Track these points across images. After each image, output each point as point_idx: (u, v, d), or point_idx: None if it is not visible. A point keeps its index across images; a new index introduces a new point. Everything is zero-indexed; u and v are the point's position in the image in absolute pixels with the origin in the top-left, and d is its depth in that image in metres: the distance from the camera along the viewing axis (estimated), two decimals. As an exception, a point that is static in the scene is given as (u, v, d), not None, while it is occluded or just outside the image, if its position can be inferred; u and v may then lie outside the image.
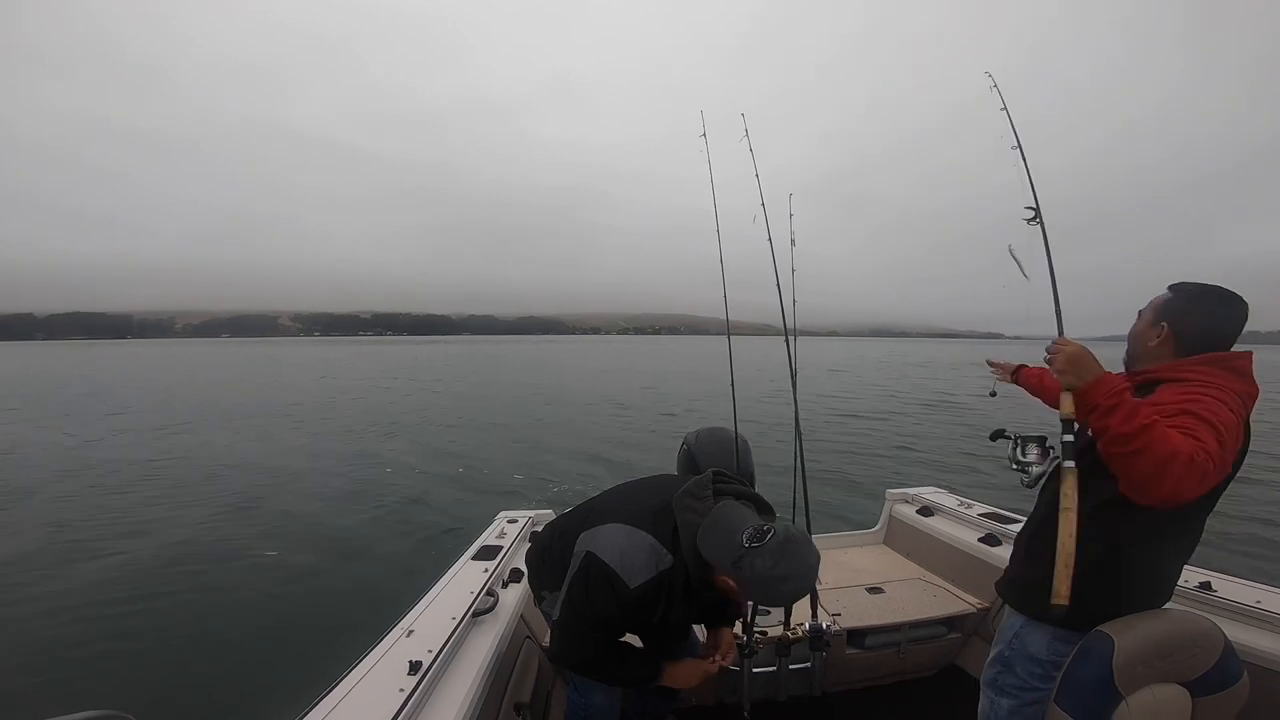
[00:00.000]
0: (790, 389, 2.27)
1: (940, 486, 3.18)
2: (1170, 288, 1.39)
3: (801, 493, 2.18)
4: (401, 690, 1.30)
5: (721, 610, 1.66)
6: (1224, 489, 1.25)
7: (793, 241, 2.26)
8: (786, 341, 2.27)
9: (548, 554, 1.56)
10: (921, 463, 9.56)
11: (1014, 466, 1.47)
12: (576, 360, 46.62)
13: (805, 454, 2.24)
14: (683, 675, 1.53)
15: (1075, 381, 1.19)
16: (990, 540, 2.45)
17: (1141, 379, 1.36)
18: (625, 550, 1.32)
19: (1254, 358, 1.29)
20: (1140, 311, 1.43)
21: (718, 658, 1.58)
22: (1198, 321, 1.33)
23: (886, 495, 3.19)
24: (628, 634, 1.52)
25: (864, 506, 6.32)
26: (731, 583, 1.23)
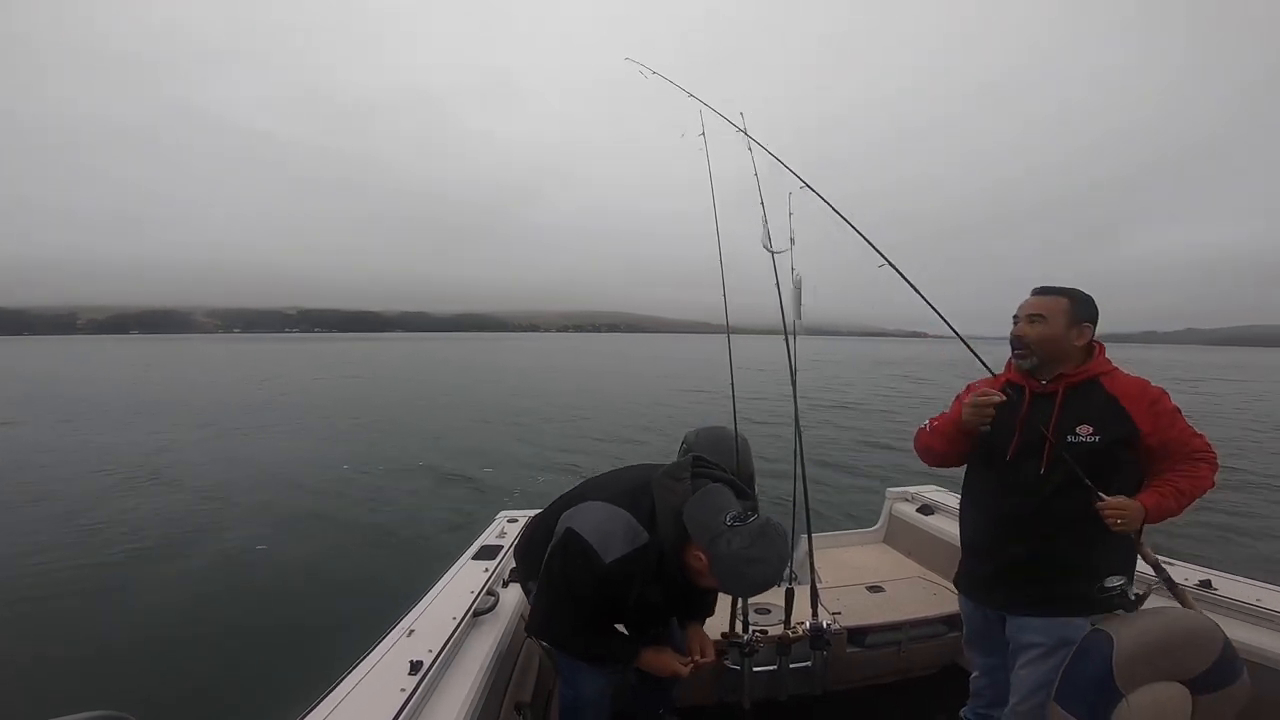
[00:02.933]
0: (790, 389, 2.27)
1: (940, 485, 3.18)
2: (1060, 291, 1.53)
3: (802, 491, 2.18)
4: (402, 690, 1.30)
5: (692, 601, 1.65)
6: None
7: (792, 241, 2.25)
8: (786, 341, 2.26)
9: (533, 542, 1.57)
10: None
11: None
12: (533, 361, 45.39)
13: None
14: (656, 663, 1.54)
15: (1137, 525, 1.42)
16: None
17: (1081, 378, 1.51)
18: (602, 526, 1.36)
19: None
20: (1031, 317, 1.53)
21: (695, 658, 1.59)
22: (1096, 318, 1.53)
23: (887, 494, 3.19)
24: (614, 623, 1.55)
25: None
26: (704, 558, 1.27)
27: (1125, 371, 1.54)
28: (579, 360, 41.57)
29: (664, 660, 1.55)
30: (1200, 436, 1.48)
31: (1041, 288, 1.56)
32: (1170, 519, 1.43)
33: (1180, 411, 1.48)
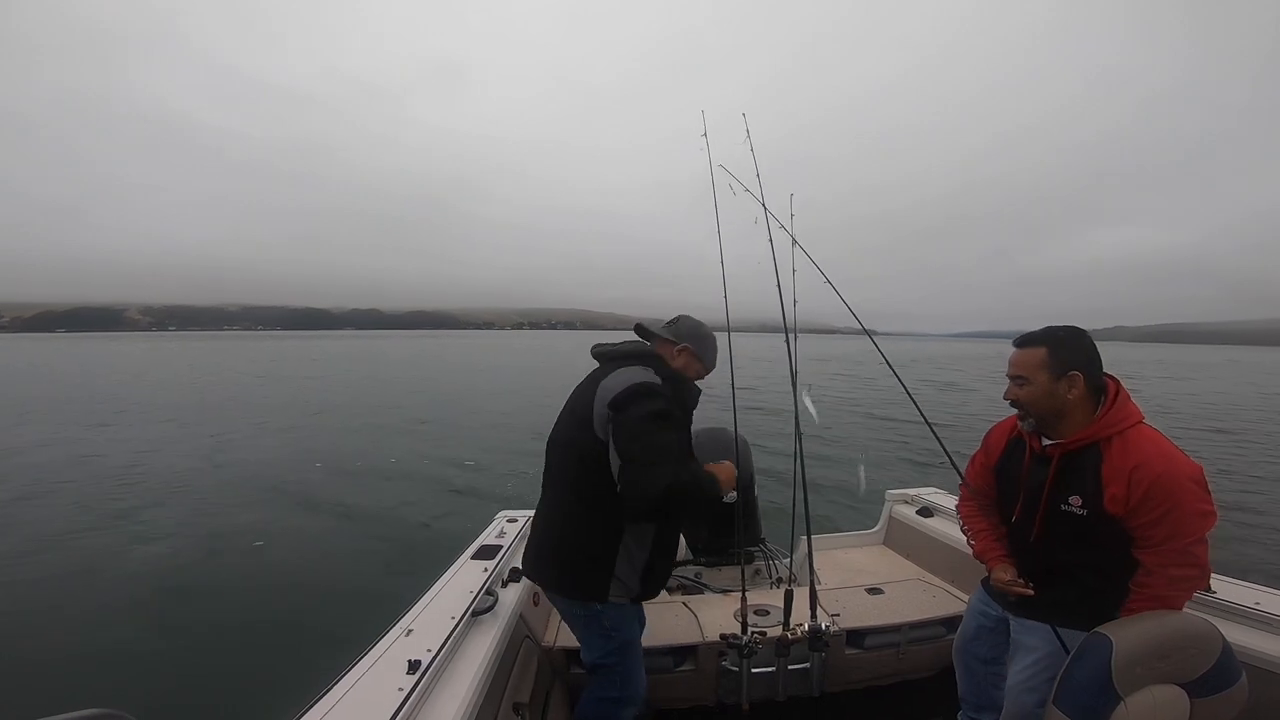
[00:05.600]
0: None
1: (940, 488, 3.18)
2: (1037, 339, 1.45)
3: (801, 491, 2.18)
4: (400, 689, 1.30)
5: None
6: None
7: (793, 240, 2.26)
8: (787, 340, 2.27)
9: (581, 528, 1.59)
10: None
11: None
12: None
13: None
14: (726, 475, 1.63)
15: None
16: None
17: (1078, 444, 1.40)
18: (631, 376, 1.53)
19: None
20: (1015, 379, 1.47)
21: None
22: (1093, 359, 1.41)
23: (886, 496, 3.19)
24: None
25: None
26: (683, 347, 1.68)
27: (1150, 435, 1.37)
28: (549, 361, 40.79)
29: (725, 468, 1.67)
30: (1188, 566, 1.30)
31: (1021, 338, 1.49)
32: None
33: (1199, 518, 1.29)
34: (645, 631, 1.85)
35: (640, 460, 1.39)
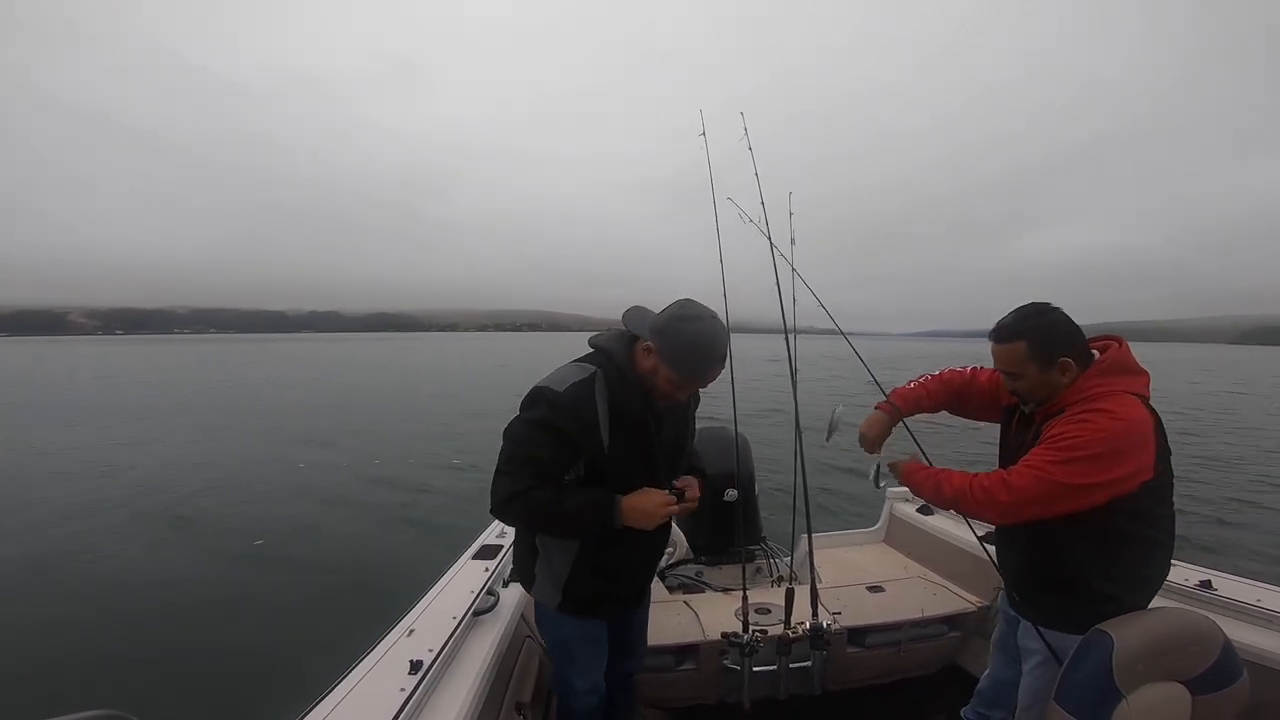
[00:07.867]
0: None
1: None
2: (1012, 333, 1.37)
3: (802, 492, 2.18)
4: (402, 690, 1.30)
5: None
6: (1149, 489, 1.28)
7: (792, 240, 2.25)
8: (786, 340, 2.26)
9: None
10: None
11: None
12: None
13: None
14: (644, 507, 1.37)
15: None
16: (991, 539, 2.45)
17: (1055, 409, 1.38)
18: (555, 374, 1.40)
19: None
20: (1009, 374, 1.41)
21: (683, 496, 1.45)
22: (1074, 336, 1.36)
23: (887, 494, 3.19)
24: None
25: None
26: (651, 346, 1.33)
27: (1117, 401, 1.28)
28: (531, 362, 40.59)
29: (646, 500, 1.38)
30: (1026, 476, 1.26)
31: (998, 332, 1.40)
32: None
33: (1073, 450, 1.23)
34: (647, 631, 1.85)
35: (498, 465, 1.38)
